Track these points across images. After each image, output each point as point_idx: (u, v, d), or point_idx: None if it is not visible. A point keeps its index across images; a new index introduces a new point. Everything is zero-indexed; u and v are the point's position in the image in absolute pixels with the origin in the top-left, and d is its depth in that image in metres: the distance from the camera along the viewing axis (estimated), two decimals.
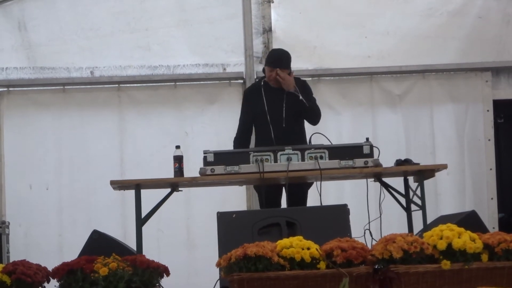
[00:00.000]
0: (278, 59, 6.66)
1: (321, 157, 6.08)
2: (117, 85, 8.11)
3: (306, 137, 6.68)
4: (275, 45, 7.63)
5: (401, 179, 6.51)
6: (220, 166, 6.05)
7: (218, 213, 5.90)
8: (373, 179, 6.48)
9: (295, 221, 5.82)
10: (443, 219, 6.28)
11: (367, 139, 6.20)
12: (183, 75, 8.12)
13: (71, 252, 6.11)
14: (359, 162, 6.08)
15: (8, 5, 8.05)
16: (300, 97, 6.43)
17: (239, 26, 8.14)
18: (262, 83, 6.72)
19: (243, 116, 6.72)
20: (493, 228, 7.82)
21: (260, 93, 6.64)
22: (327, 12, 8.26)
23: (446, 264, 4.80)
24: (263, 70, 6.78)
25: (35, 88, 8.07)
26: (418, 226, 6.38)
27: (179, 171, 6.16)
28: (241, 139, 6.68)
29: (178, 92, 8.15)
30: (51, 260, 5.71)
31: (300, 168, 6.06)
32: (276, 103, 6.58)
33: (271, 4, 8.21)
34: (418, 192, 6.25)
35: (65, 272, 4.94)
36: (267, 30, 8.15)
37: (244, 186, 7.65)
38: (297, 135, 6.63)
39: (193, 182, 6.21)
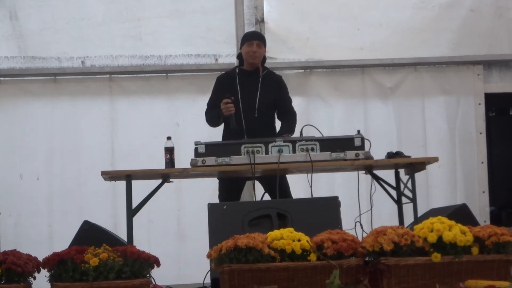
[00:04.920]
0: (255, 33, 7.05)
1: (312, 149, 6.08)
2: (108, 76, 8.09)
3: (276, 127, 6.72)
4: (267, 36, 7.58)
5: (392, 171, 6.52)
6: (211, 157, 6.05)
7: (209, 204, 5.90)
8: (364, 172, 6.49)
9: (286, 213, 5.83)
10: (434, 212, 6.30)
11: (359, 131, 6.20)
12: (174, 65, 8.10)
13: (62, 242, 6.10)
14: (350, 154, 6.09)
15: None
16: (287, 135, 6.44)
17: (231, 16, 8.12)
18: (237, 71, 6.74)
19: (212, 102, 6.72)
20: (484, 221, 7.84)
21: (235, 82, 6.67)
22: (320, 3, 8.25)
23: (436, 257, 4.80)
24: (238, 56, 6.81)
25: (26, 78, 8.04)
26: (409, 218, 6.39)
27: (170, 162, 6.16)
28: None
29: (169, 83, 8.13)
30: (42, 250, 5.71)
31: (291, 160, 6.07)
32: (250, 92, 6.61)
33: None
34: (409, 184, 6.26)
35: (55, 262, 4.93)
36: (259, 21, 8.13)
37: None
38: (268, 125, 6.68)
39: (184, 173, 6.21)
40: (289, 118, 6.71)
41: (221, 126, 6.80)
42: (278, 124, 6.77)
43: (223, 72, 7.05)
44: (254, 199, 6.84)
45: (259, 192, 6.71)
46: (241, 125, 6.54)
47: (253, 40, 6.72)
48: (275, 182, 6.15)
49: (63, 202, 7.87)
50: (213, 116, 6.64)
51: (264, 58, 6.83)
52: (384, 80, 8.26)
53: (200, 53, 8.14)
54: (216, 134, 6.92)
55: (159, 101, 8.09)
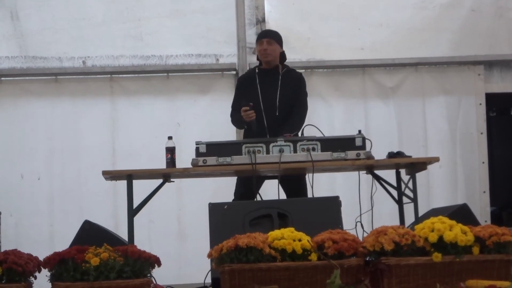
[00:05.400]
0: (266, 31, 7.06)
1: (313, 149, 6.07)
2: (109, 76, 8.09)
3: None
4: None
5: (393, 171, 6.51)
6: (212, 157, 6.05)
7: (209, 204, 5.90)
8: (365, 172, 6.49)
9: (287, 213, 5.83)
10: (434, 212, 6.29)
11: (359, 131, 6.20)
12: (175, 65, 8.10)
13: (62, 242, 6.10)
14: (351, 154, 6.08)
15: None
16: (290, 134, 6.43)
17: (232, 16, 8.13)
18: (257, 70, 6.75)
19: (235, 104, 6.73)
20: (485, 221, 7.84)
21: (255, 81, 6.67)
22: (320, 3, 8.26)
23: (437, 257, 4.80)
24: (258, 58, 6.83)
25: (27, 78, 8.05)
26: (409, 218, 6.39)
27: (171, 161, 6.16)
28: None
29: (170, 83, 8.13)
30: (42, 250, 5.69)
31: (292, 160, 6.06)
32: (270, 91, 6.60)
33: None
34: (410, 184, 6.25)
35: (56, 261, 4.93)
36: (260, 21, 8.14)
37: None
38: None
39: (185, 173, 6.20)
40: (296, 114, 6.65)
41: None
42: None
43: (244, 73, 7.06)
44: (255, 199, 6.83)
45: (261, 192, 6.71)
46: (263, 124, 6.54)
47: (262, 38, 6.71)
48: (295, 184, 6.20)
49: (64, 202, 7.88)
50: (237, 120, 6.65)
51: (283, 56, 6.81)
52: (384, 80, 8.26)
53: (201, 53, 8.14)
54: (217, 134, 6.93)
55: (160, 101, 8.09)
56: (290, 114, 6.64)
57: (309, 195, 6.23)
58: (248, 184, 6.44)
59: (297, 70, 6.95)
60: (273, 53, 6.67)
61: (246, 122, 6.50)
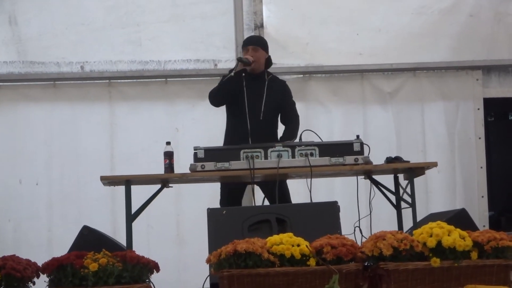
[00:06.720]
0: (250, 38, 7.04)
1: (312, 154, 6.08)
2: (107, 81, 8.09)
3: (278, 132, 6.73)
4: None
5: (391, 176, 6.52)
6: (211, 162, 6.05)
7: (208, 209, 5.90)
8: (363, 177, 6.49)
9: (285, 218, 5.83)
10: (433, 217, 6.30)
11: (358, 136, 6.20)
12: (174, 71, 8.10)
13: (61, 247, 6.10)
14: (350, 159, 6.09)
15: None
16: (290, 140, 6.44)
17: (231, 22, 8.13)
18: (244, 74, 6.75)
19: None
20: (484, 226, 7.84)
21: (241, 84, 6.65)
22: (319, 8, 8.26)
23: (435, 262, 4.81)
24: (238, 60, 6.81)
25: (25, 83, 8.04)
26: (408, 223, 6.39)
27: (169, 167, 6.16)
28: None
29: (169, 88, 8.13)
30: (41, 255, 5.70)
31: (290, 165, 6.07)
32: (256, 95, 6.61)
33: (263, 0, 8.20)
34: (408, 189, 6.25)
35: (54, 267, 4.93)
36: (259, 26, 8.15)
37: None
38: (272, 129, 6.69)
39: (183, 178, 6.20)
40: (292, 122, 6.70)
41: (223, 128, 6.78)
42: (280, 127, 6.76)
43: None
44: (253, 204, 6.84)
45: (259, 196, 6.71)
46: (246, 127, 6.55)
47: (247, 45, 6.75)
48: (274, 187, 6.15)
49: (63, 207, 7.87)
50: (223, 82, 6.62)
51: (270, 62, 6.82)
52: (383, 85, 8.27)
53: (199, 58, 8.14)
54: (216, 139, 6.92)
55: (159, 106, 8.09)
56: (287, 122, 6.68)
57: (307, 200, 6.23)
58: (231, 192, 6.49)
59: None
60: (258, 60, 6.69)
61: (236, 67, 6.55)
